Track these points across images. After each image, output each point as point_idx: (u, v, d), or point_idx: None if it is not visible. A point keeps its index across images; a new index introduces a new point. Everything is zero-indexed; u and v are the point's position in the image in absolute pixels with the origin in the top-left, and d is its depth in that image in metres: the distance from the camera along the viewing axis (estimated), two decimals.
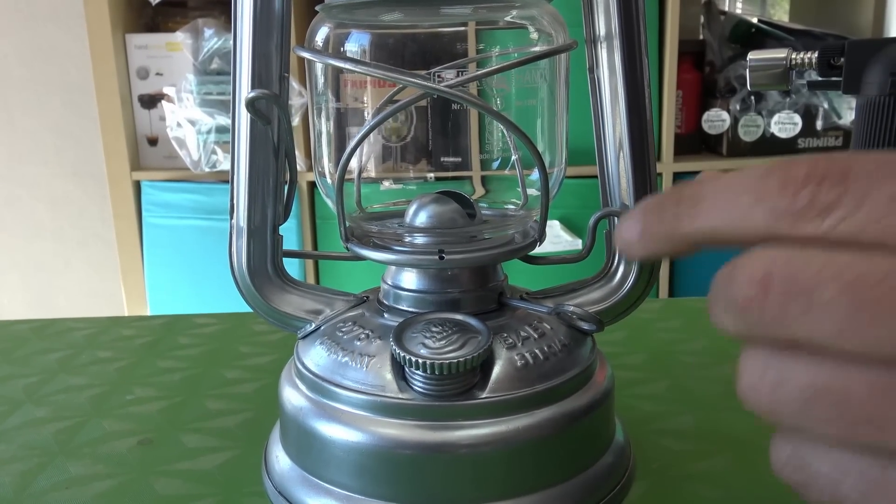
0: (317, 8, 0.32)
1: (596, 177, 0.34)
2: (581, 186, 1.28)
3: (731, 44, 1.57)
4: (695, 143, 1.54)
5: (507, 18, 0.33)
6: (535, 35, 0.33)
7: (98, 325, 0.57)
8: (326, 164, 0.35)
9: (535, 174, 0.36)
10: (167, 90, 1.57)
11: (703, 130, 1.51)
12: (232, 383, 0.47)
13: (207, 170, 1.54)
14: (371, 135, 0.34)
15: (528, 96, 0.34)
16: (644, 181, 0.33)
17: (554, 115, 0.34)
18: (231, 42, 0.32)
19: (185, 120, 1.55)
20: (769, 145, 1.49)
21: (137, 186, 1.60)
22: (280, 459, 0.34)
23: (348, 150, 0.29)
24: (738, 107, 1.48)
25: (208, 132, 1.54)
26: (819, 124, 1.48)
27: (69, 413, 0.43)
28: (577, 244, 1.44)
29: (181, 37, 1.54)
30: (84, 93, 1.76)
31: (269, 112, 0.32)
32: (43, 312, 1.92)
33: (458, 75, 0.32)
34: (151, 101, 1.61)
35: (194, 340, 0.54)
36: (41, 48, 1.79)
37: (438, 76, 0.32)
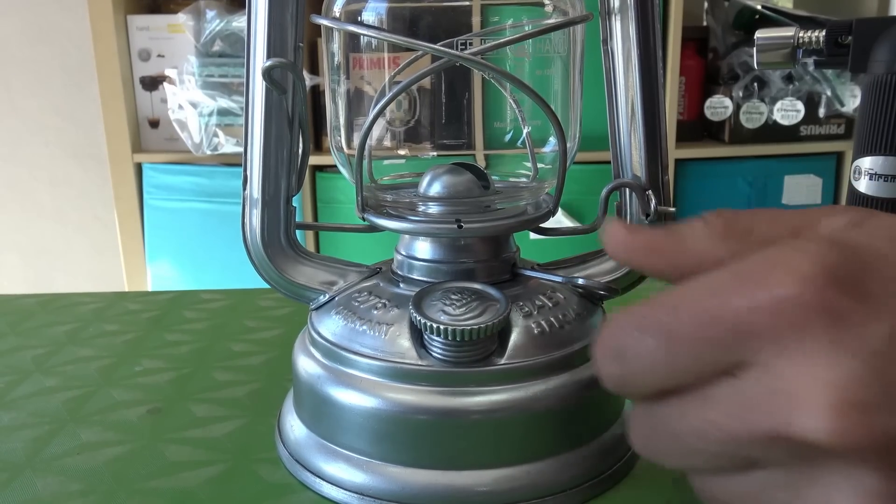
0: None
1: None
2: (584, 172, 1.28)
3: (734, 30, 1.57)
4: (697, 129, 1.54)
5: None
6: (550, 9, 0.33)
7: (104, 299, 0.57)
8: (344, 137, 0.35)
9: (546, 147, 0.36)
10: (169, 72, 1.56)
11: (705, 117, 1.51)
12: (239, 356, 0.47)
13: (209, 152, 1.54)
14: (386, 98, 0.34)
15: (545, 67, 0.34)
16: (655, 153, 0.33)
17: (569, 88, 0.35)
18: (245, 13, 0.32)
19: (187, 102, 1.54)
20: (771, 132, 1.49)
21: (139, 169, 1.60)
22: (295, 427, 0.34)
23: (368, 120, 0.29)
24: (740, 94, 1.48)
25: (210, 115, 1.54)
26: (822, 111, 1.48)
27: (78, 383, 0.43)
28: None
29: (183, 18, 1.53)
30: (85, 74, 1.75)
31: (284, 81, 0.32)
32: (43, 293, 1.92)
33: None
34: (153, 83, 1.60)
35: (200, 315, 0.54)
36: (42, 28, 1.78)
37: (461, 45, 0.32)
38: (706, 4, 1.66)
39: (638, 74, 0.32)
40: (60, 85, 1.82)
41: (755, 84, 1.48)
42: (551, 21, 0.34)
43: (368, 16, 0.32)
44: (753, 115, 1.48)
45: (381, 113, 0.29)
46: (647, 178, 0.33)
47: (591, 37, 0.33)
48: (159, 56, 1.59)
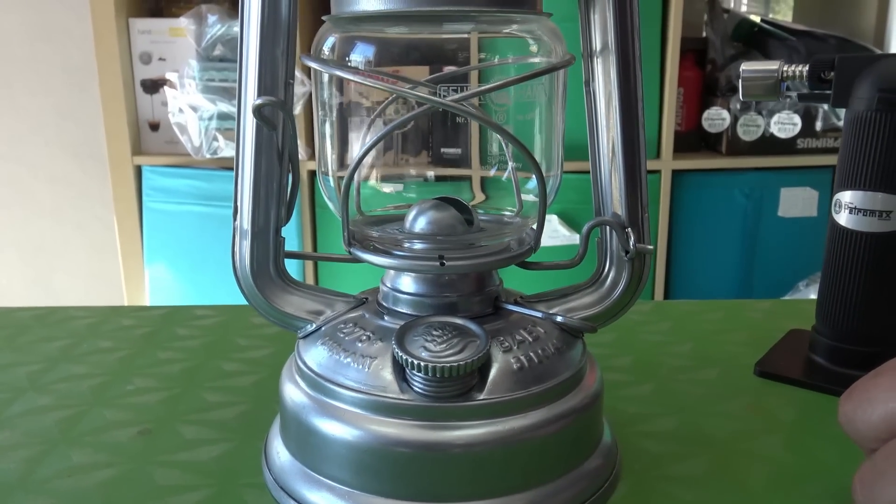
0: (323, 18, 0.32)
1: (581, 173, 0.35)
2: (580, 181, 1.28)
3: (733, 42, 1.58)
4: (694, 140, 1.55)
5: (507, 30, 0.34)
6: (534, 47, 0.34)
7: (99, 314, 0.58)
8: (331, 168, 0.36)
9: (531, 182, 0.37)
10: (170, 76, 1.57)
11: (702, 128, 1.52)
12: (230, 375, 0.48)
13: (208, 156, 1.55)
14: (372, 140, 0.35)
15: (527, 108, 0.35)
16: (635, 192, 0.34)
17: (551, 127, 0.35)
18: (238, 45, 0.33)
19: (187, 106, 1.55)
20: (768, 145, 1.50)
21: (138, 171, 1.60)
22: (280, 454, 0.35)
23: (354, 162, 0.30)
24: (738, 106, 1.49)
25: (210, 118, 1.54)
26: (818, 125, 1.49)
27: (71, 402, 0.44)
28: (575, 238, 1.45)
29: (184, 22, 1.54)
30: (86, 74, 1.76)
31: (274, 118, 0.33)
32: (41, 291, 1.93)
33: (459, 89, 0.33)
34: (154, 86, 1.61)
35: (193, 332, 0.55)
36: (44, 28, 1.79)
37: (443, 90, 0.33)
38: (705, 16, 1.66)
39: (619, 116, 0.33)
40: (61, 85, 1.82)
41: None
42: (536, 61, 0.34)
43: (356, 57, 0.33)
44: (751, 128, 1.49)
45: (363, 158, 0.30)
46: (627, 215, 0.34)
47: (577, 63, 0.34)
48: (160, 59, 1.60)
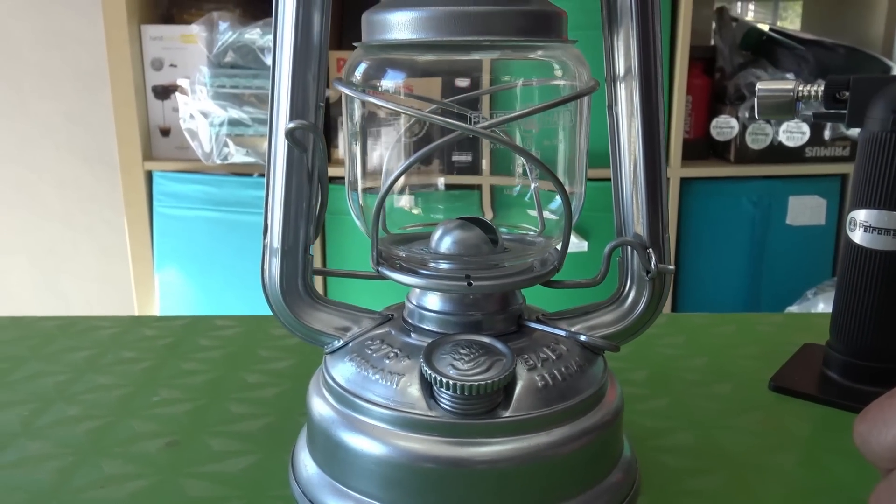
0: (355, 44, 0.33)
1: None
2: (592, 190, 1.29)
3: (742, 51, 1.58)
4: (703, 148, 1.55)
5: (532, 56, 0.35)
6: (559, 72, 0.35)
7: (121, 324, 0.59)
8: (360, 187, 0.37)
9: (553, 204, 0.38)
10: (181, 82, 1.58)
11: (711, 136, 1.52)
12: (253, 387, 0.49)
13: (219, 162, 1.56)
14: (396, 157, 0.36)
15: (552, 131, 0.36)
16: (656, 213, 0.35)
17: (574, 148, 0.36)
18: (270, 71, 0.34)
19: (198, 112, 1.56)
20: (777, 153, 1.50)
21: (149, 176, 1.62)
22: (308, 466, 0.36)
23: (386, 185, 0.31)
24: (746, 114, 1.49)
25: (220, 125, 1.56)
26: (827, 134, 1.49)
27: (99, 412, 0.45)
28: (584, 246, 1.45)
29: (196, 29, 1.56)
30: (97, 79, 1.78)
31: (305, 140, 0.34)
32: (50, 295, 1.95)
33: (490, 115, 0.34)
34: (165, 91, 1.62)
35: (215, 343, 0.56)
36: (56, 33, 1.81)
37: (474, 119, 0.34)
38: (714, 24, 1.67)
39: (641, 139, 0.34)
40: (72, 89, 1.84)
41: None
42: (560, 83, 0.35)
43: (387, 83, 0.34)
44: (759, 136, 1.49)
45: (393, 184, 0.31)
46: (648, 236, 0.35)
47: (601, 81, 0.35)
48: (172, 66, 1.61)
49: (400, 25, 0.31)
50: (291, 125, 0.33)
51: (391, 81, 0.33)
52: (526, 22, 0.31)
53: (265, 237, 0.36)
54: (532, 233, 0.39)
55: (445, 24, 0.30)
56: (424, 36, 0.30)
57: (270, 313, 0.36)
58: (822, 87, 0.46)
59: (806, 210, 1.51)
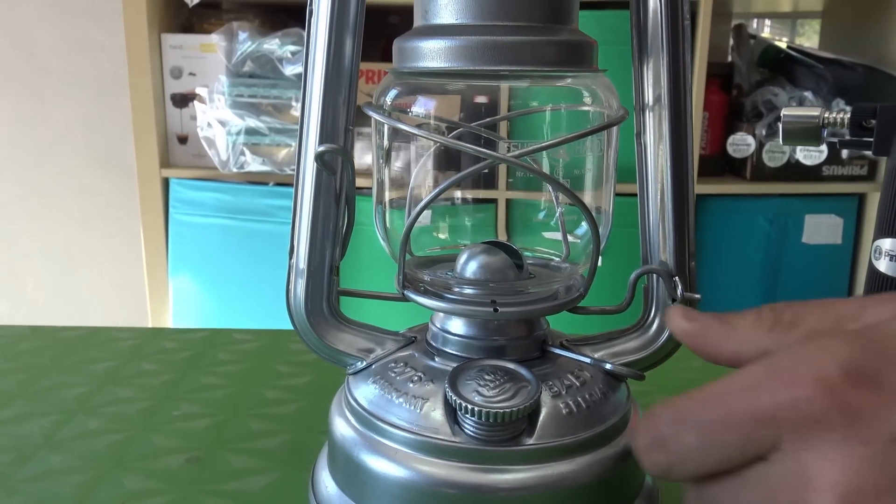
0: (386, 70, 0.34)
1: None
2: None
3: (759, 68, 1.58)
4: (719, 165, 1.55)
5: (561, 83, 0.35)
6: (588, 100, 0.35)
7: (141, 335, 0.60)
8: (387, 210, 0.37)
9: (579, 230, 0.38)
10: (199, 90, 1.59)
11: (727, 153, 1.52)
12: (272, 403, 0.49)
13: (235, 170, 1.57)
14: (423, 178, 0.36)
15: (580, 163, 0.36)
16: (683, 241, 0.35)
17: (602, 176, 0.36)
18: (301, 93, 0.34)
19: (216, 120, 1.57)
20: (793, 171, 1.50)
21: (166, 183, 1.63)
22: (328, 486, 0.36)
23: (414, 213, 0.31)
24: (763, 132, 1.49)
25: (238, 133, 1.57)
26: (844, 153, 1.49)
27: (120, 426, 0.45)
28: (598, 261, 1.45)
29: (215, 39, 1.57)
30: (115, 86, 1.79)
31: (334, 163, 0.34)
32: (64, 300, 1.96)
33: (516, 143, 0.34)
34: (183, 100, 1.64)
35: (234, 357, 0.56)
36: (77, 41, 1.83)
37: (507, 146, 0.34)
38: (731, 41, 1.67)
39: (669, 168, 0.34)
40: (91, 96, 1.86)
41: (778, 123, 1.49)
42: (588, 108, 0.35)
43: (417, 109, 0.34)
44: (776, 154, 1.49)
45: (423, 210, 0.31)
46: (674, 264, 0.35)
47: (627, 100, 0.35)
48: (191, 74, 1.63)
49: (432, 54, 0.31)
50: (321, 149, 0.33)
51: (422, 108, 0.34)
52: (556, 52, 0.31)
53: (291, 257, 0.36)
54: (556, 259, 0.39)
55: (478, 55, 0.30)
56: (456, 65, 0.30)
57: (285, 326, 0.36)
58: (848, 115, 0.46)
59: (822, 229, 1.50)
